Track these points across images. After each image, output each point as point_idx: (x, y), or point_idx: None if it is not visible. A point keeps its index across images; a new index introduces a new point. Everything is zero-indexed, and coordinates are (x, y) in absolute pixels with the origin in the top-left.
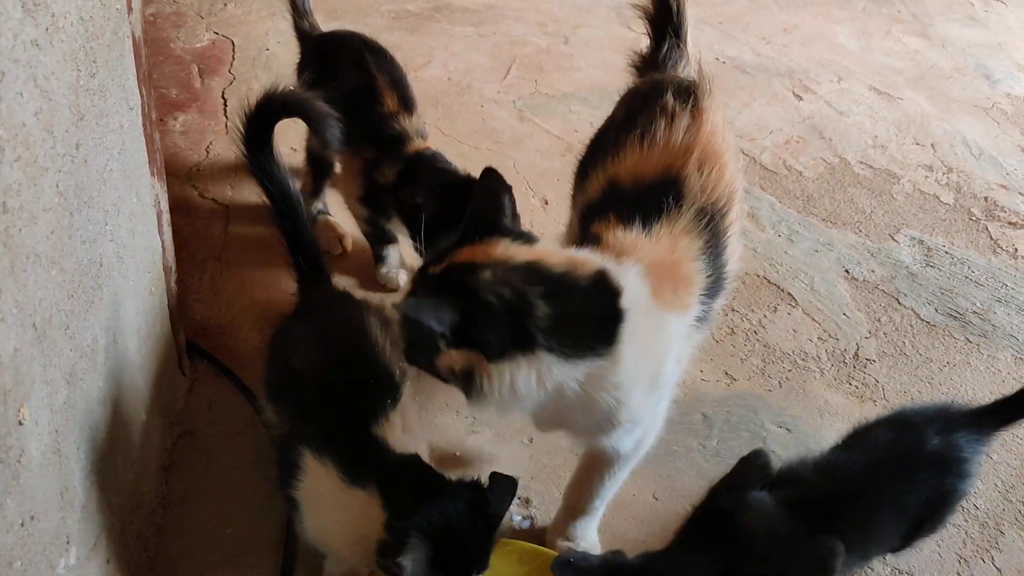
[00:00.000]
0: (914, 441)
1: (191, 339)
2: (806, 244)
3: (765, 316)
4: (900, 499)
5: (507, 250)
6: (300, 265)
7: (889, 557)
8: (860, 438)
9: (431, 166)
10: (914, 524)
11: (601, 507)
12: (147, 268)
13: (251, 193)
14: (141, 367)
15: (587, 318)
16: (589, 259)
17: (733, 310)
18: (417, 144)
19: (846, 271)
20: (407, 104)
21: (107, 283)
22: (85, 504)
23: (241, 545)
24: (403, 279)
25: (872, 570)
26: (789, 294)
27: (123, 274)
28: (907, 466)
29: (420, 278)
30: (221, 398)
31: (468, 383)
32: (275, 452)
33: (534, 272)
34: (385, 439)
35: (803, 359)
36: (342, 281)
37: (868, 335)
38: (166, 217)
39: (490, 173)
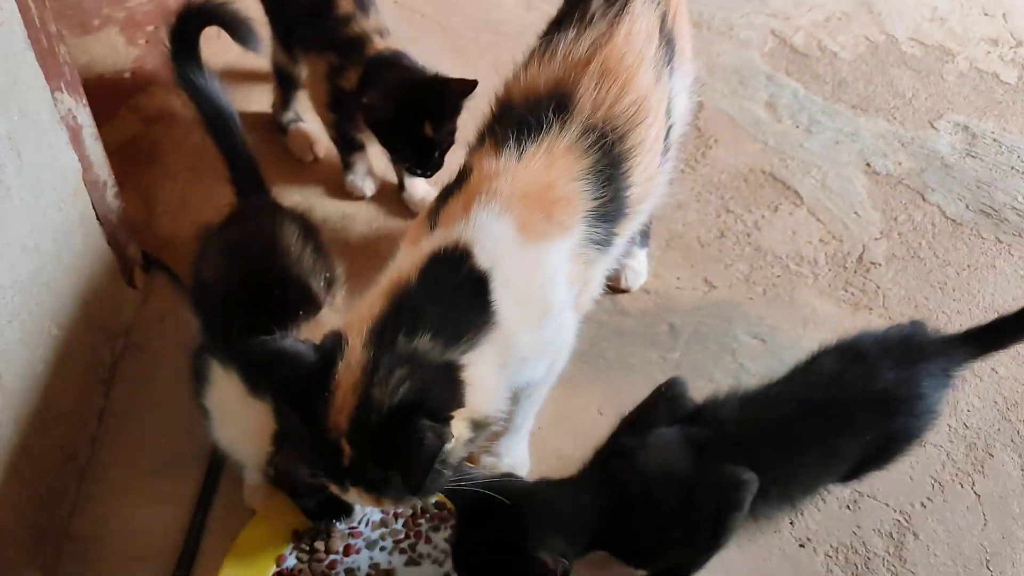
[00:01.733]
0: (860, 376)
1: (149, 252)
2: (826, 135)
3: (763, 216)
4: (830, 443)
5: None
6: (236, 176)
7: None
8: (804, 370)
9: (392, 67)
10: (858, 464)
11: (524, 425)
12: (51, 186)
13: (239, 100)
14: (62, 284)
15: (454, 315)
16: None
17: (728, 211)
18: (377, 44)
19: (867, 164)
20: (362, 4)
21: None
22: None
23: (173, 455)
24: (370, 188)
25: (829, 491)
26: (795, 191)
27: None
28: (844, 407)
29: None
30: (174, 310)
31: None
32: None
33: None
34: None
35: (797, 263)
36: (311, 190)
37: (879, 236)
38: (89, 131)
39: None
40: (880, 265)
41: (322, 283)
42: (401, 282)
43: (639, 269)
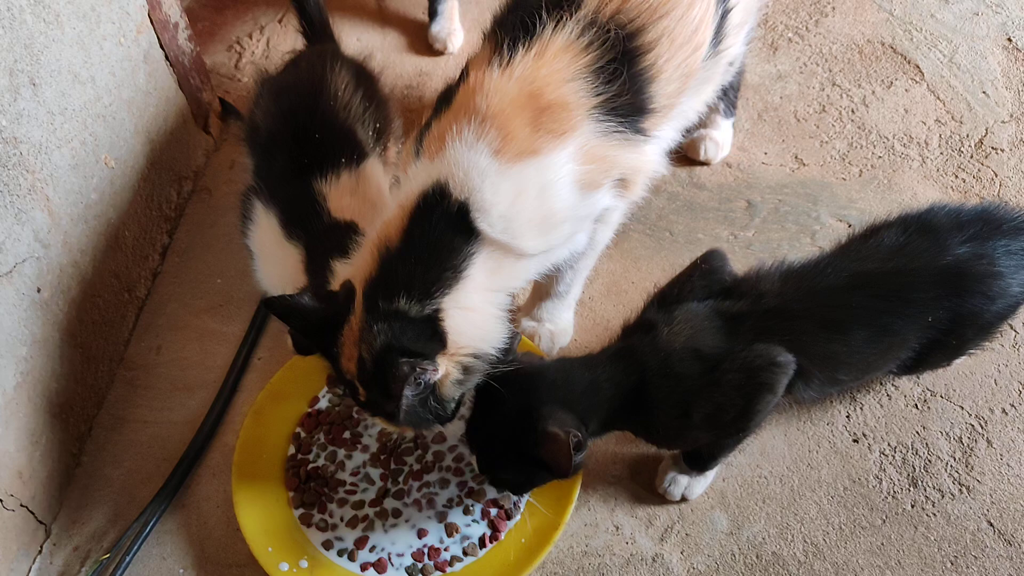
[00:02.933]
0: (926, 249)
1: (226, 100)
2: (964, 5)
3: (874, 92)
4: (883, 321)
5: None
6: (305, 25)
7: (925, 376)
8: (861, 240)
9: None
10: (920, 352)
11: (568, 293)
12: (108, 19)
13: None
14: (121, 119)
15: (433, 249)
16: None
17: (834, 84)
18: None
19: (1008, 39)
20: None
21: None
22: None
23: (226, 296)
24: (456, 42)
25: (896, 387)
26: (916, 66)
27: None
28: (902, 280)
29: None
30: (245, 159)
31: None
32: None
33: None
34: (324, 198)
35: (904, 144)
36: (391, 39)
37: (1007, 119)
38: None
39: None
40: (1002, 151)
41: (370, 132)
42: (387, 240)
43: (721, 141)
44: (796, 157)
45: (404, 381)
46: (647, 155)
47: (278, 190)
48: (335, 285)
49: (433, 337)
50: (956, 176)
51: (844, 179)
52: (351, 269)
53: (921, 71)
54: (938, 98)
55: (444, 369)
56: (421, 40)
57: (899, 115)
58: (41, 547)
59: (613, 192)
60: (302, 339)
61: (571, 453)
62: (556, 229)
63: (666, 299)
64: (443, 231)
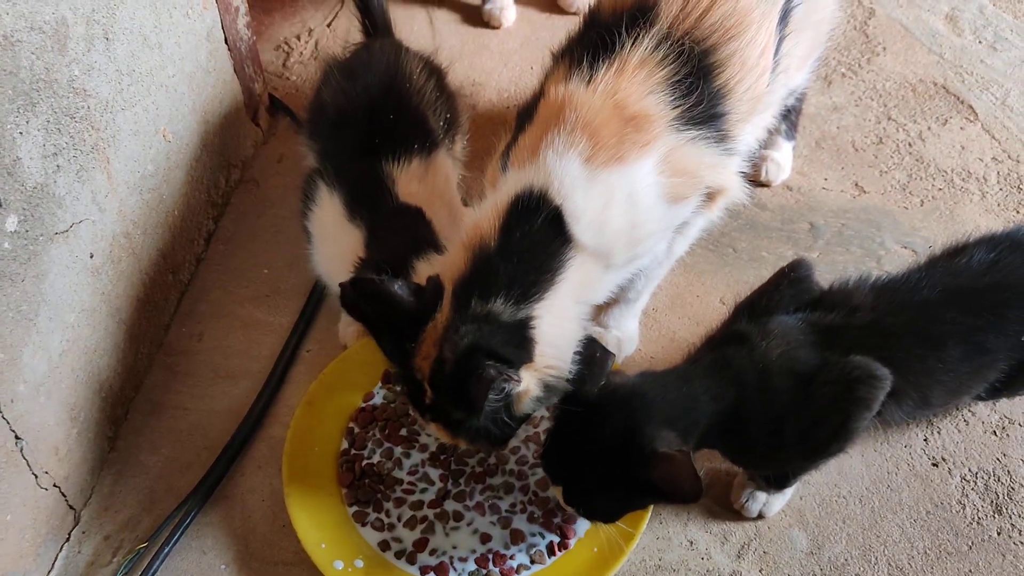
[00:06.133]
0: (1018, 265)
1: (276, 95)
2: (1013, 53)
3: (929, 128)
4: (978, 338)
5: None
6: (367, 21)
7: (1002, 403)
8: (951, 257)
9: None
10: (1007, 375)
11: (637, 300)
12: None
13: None
14: (182, 92)
15: (530, 256)
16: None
17: (889, 119)
18: None
19: None
20: None
21: None
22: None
23: (273, 288)
24: (509, 17)
25: (973, 413)
26: (970, 107)
27: None
28: (996, 296)
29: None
30: (293, 155)
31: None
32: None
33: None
34: (393, 181)
35: (963, 179)
36: (444, 15)
37: None
38: None
39: None
40: None
41: (441, 122)
42: (481, 240)
43: (782, 162)
44: (856, 184)
45: (489, 385)
46: (730, 170)
47: (345, 170)
48: (419, 280)
49: (521, 345)
50: (1018, 211)
51: (906, 208)
52: (438, 266)
53: (975, 111)
54: (993, 137)
55: (526, 384)
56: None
57: (956, 151)
58: (69, 534)
59: (698, 206)
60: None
61: (696, 474)
62: (643, 240)
63: (755, 310)
64: (540, 235)
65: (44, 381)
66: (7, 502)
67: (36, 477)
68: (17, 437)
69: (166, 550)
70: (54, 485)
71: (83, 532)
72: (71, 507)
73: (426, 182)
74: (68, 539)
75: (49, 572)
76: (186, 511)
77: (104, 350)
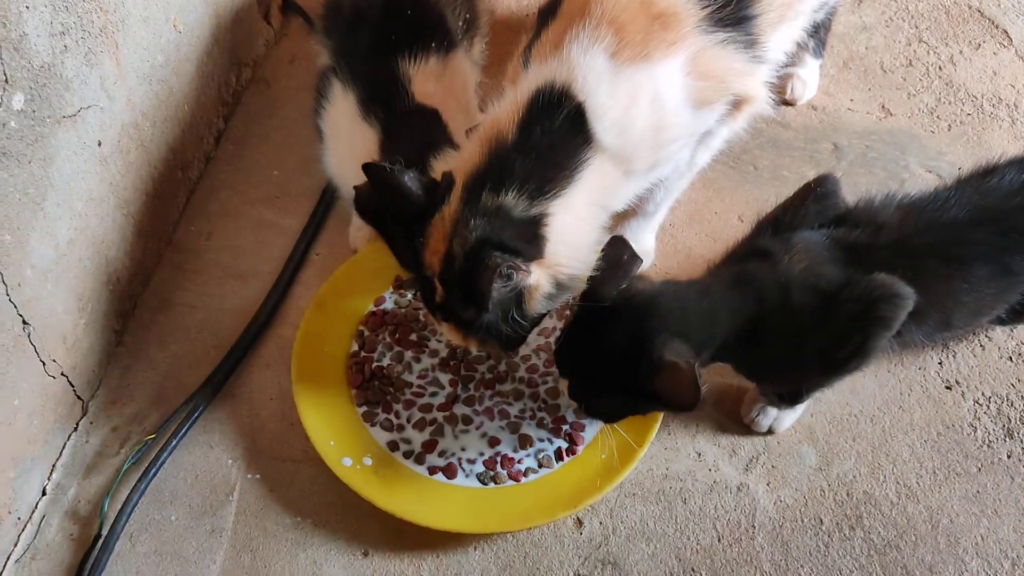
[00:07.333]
0: None
1: None
2: None
3: (961, 52)
4: (1006, 260)
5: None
6: None
7: (1020, 330)
8: (981, 177)
9: None
10: None
11: (655, 214)
12: None
13: None
14: None
15: (549, 151)
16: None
17: (920, 40)
18: None
19: None
20: None
21: None
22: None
23: (283, 189)
24: None
25: (989, 338)
26: (1004, 31)
27: None
28: None
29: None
30: (305, 55)
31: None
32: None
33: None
34: (409, 80)
35: (994, 105)
36: None
37: None
38: None
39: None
40: None
41: (460, 23)
42: (498, 134)
43: (808, 80)
44: (883, 107)
45: (494, 272)
46: (757, 78)
47: (360, 68)
48: (436, 175)
49: (532, 241)
50: None
51: (932, 132)
52: (453, 162)
53: (1009, 36)
54: None
55: (536, 279)
56: None
57: (987, 76)
58: (77, 424)
59: (723, 114)
60: (370, 204)
61: (698, 385)
62: (665, 145)
63: (779, 225)
64: (560, 132)
65: (52, 268)
66: (15, 387)
67: (44, 364)
68: (24, 322)
69: (173, 443)
70: (61, 374)
71: (90, 423)
72: (79, 397)
73: (443, 82)
74: (76, 428)
75: (57, 459)
76: (194, 405)
77: (112, 242)
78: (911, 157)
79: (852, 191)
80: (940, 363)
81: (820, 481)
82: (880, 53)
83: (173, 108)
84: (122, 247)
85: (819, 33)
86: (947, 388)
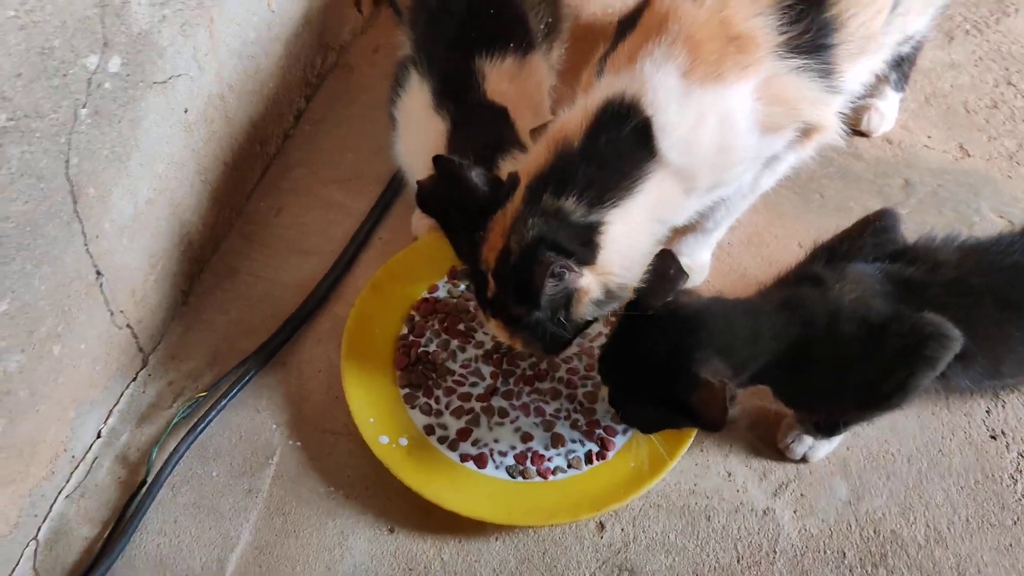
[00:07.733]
0: None
1: None
2: None
3: None
4: None
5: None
6: None
7: None
8: None
9: None
10: None
11: (714, 232)
12: None
13: None
14: None
15: (612, 158)
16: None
17: (1009, 83)
18: None
19: None
20: None
21: None
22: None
23: (354, 172)
24: None
25: None
26: None
27: None
28: None
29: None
30: (388, 46)
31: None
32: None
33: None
34: (483, 76)
35: None
36: None
37: None
38: None
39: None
40: None
41: (542, 25)
42: (565, 139)
43: (886, 113)
44: (961, 147)
45: (547, 269)
46: (830, 108)
47: (438, 60)
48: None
49: (587, 246)
50: None
51: (1010, 177)
52: (519, 163)
53: None
54: None
55: (587, 283)
56: None
57: None
58: (136, 375)
59: (791, 141)
60: (433, 195)
61: (726, 405)
62: (729, 166)
63: (835, 254)
64: (625, 143)
65: (129, 224)
66: (84, 332)
67: (112, 314)
68: (98, 272)
69: (223, 403)
70: (127, 325)
71: (149, 375)
72: (140, 349)
73: (517, 83)
74: (135, 379)
75: (114, 406)
76: (246, 369)
77: (188, 206)
78: (984, 200)
79: (918, 229)
80: (988, 411)
81: (848, 515)
82: (965, 92)
83: (259, 84)
84: (197, 212)
85: (902, 66)
86: (992, 437)
